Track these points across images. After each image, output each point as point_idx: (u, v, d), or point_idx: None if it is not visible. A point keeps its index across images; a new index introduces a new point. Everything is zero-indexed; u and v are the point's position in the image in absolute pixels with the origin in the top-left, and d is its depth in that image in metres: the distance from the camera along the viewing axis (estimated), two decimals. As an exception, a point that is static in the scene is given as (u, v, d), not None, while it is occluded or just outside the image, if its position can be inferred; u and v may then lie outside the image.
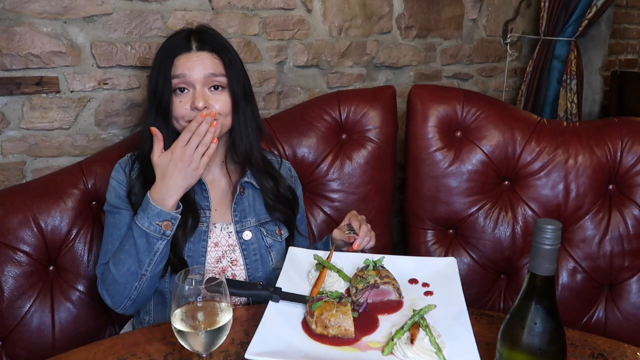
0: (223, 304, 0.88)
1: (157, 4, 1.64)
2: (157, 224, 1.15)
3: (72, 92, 1.58)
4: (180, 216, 1.18)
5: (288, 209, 1.39)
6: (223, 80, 1.25)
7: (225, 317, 0.87)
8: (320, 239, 1.61)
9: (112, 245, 1.24)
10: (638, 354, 1.00)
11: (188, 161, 1.16)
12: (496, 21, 2.40)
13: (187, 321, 0.86)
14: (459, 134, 1.70)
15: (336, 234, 1.30)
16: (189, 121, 1.22)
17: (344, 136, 1.74)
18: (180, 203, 1.20)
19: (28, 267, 1.36)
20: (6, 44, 1.47)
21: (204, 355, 0.89)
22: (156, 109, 1.24)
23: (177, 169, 1.16)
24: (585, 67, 2.55)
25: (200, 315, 0.87)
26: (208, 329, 0.86)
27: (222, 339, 0.88)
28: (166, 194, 1.16)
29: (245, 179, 1.35)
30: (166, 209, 1.16)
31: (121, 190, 1.26)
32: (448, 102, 1.70)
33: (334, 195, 1.71)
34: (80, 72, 1.57)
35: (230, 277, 1.29)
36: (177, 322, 0.86)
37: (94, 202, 1.47)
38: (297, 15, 1.89)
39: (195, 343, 0.87)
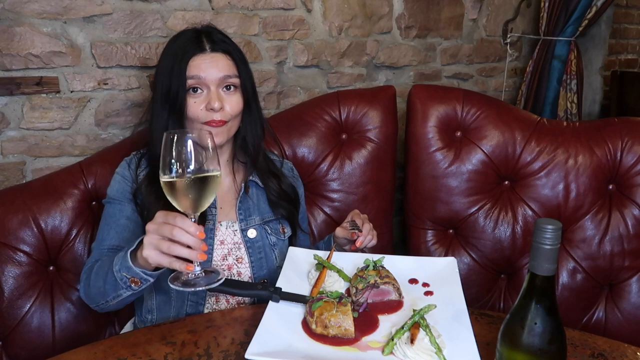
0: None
1: (157, 4, 1.64)
2: (125, 275, 1.06)
3: (72, 92, 1.58)
4: (153, 279, 1.06)
5: (291, 205, 1.40)
6: (236, 81, 1.26)
7: (214, 169, 0.94)
8: (320, 239, 1.61)
9: (108, 234, 1.23)
10: (638, 354, 1.00)
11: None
12: (496, 21, 2.40)
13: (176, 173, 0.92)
14: (459, 134, 1.70)
15: (339, 231, 1.30)
16: (204, 122, 1.22)
17: (344, 136, 1.74)
18: None
19: (28, 267, 1.36)
20: (6, 44, 1.47)
21: (193, 219, 0.95)
22: (169, 109, 1.23)
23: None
24: (585, 67, 2.55)
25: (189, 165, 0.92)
26: (197, 175, 0.91)
27: (212, 195, 0.94)
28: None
29: (251, 177, 1.36)
30: (141, 266, 1.05)
31: (125, 185, 1.27)
32: (448, 102, 1.70)
33: (334, 195, 1.71)
34: (80, 72, 1.57)
35: (236, 275, 1.30)
36: (166, 177, 0.92)
37: (94, 202, 1.47)
38: (297, 15, 1.89)
39: (184, 200, 0.92)
